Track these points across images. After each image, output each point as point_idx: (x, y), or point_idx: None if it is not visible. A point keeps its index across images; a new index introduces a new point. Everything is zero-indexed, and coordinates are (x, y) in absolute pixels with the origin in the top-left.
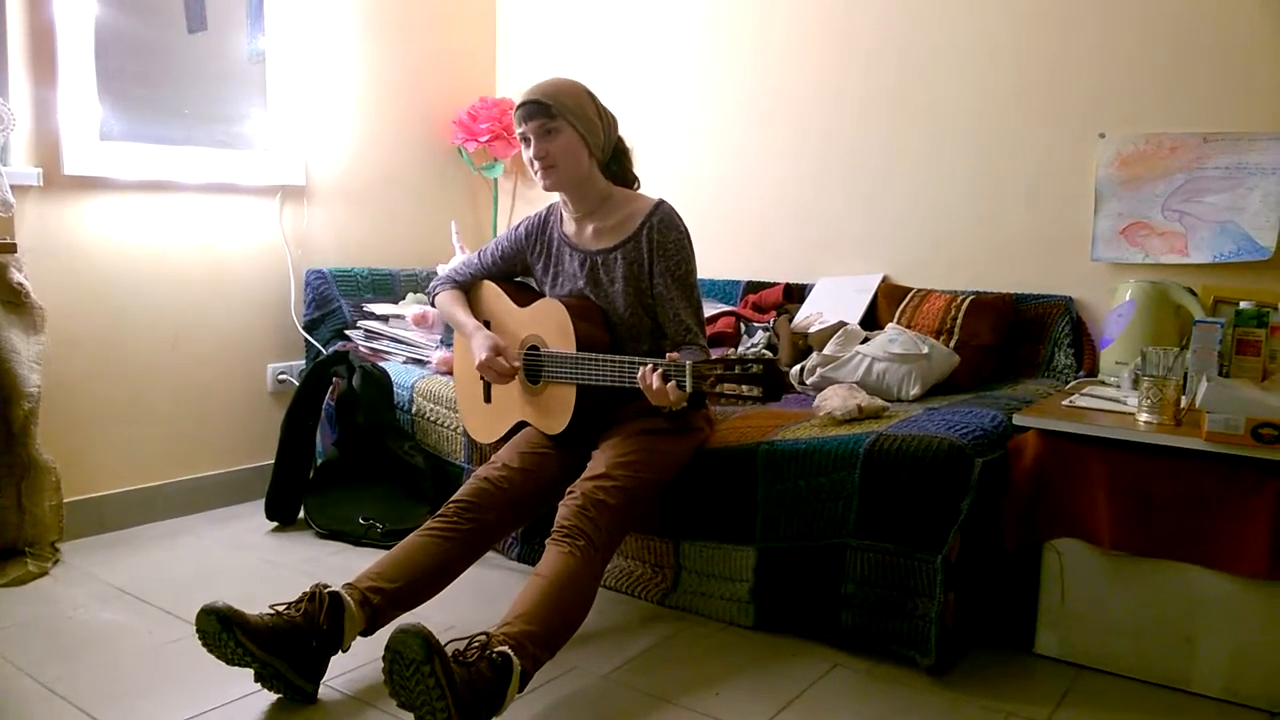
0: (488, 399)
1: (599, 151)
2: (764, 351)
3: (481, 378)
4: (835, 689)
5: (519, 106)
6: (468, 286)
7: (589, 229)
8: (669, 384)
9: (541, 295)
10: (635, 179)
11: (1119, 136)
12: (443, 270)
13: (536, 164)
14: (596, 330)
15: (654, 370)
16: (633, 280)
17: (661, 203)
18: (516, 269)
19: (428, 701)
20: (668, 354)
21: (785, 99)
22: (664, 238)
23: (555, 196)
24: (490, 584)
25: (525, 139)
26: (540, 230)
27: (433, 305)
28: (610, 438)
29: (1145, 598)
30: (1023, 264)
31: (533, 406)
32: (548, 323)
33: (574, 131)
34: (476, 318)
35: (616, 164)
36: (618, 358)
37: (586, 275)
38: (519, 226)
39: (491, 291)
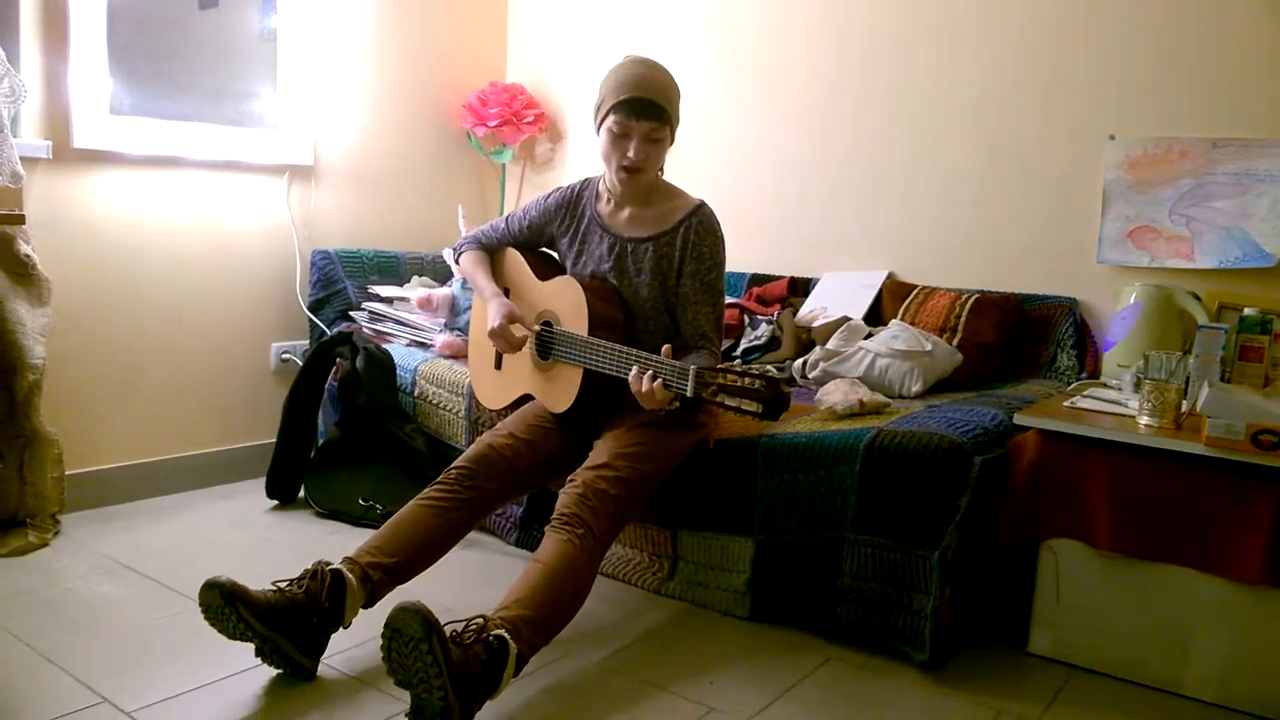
0: (498, 365)
1: None
2: (770, 369)
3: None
4: (828, 682)
5: (633, 99)
6: (493, 250)
7: (625, 213)
8: (656, 382)
9: (563, 269)
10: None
11: (1128, 139)
12: (469, 231)
13: (629, 165)
14: (613, 315)
15: (649, 375)
16: (659, 274)
17: (704, 204)
18: (543, 240)
19: (425, 679)
20: (663, 350)
21: (795, 93)
22: (700, 239)
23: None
24: (488, 568)
25: (626, 133)
26: (572, 205)
27: (456, 263)
28: (614, 428)
29: (1140, 600)
30: (1028, 264)
31: (540, 382)
32: (564, 301)
33: (671, 138)
34: (497, 284)
35: None
36: (625, 349)
37: (614, 260)
38: (549, 196)
39: (515, 260)
